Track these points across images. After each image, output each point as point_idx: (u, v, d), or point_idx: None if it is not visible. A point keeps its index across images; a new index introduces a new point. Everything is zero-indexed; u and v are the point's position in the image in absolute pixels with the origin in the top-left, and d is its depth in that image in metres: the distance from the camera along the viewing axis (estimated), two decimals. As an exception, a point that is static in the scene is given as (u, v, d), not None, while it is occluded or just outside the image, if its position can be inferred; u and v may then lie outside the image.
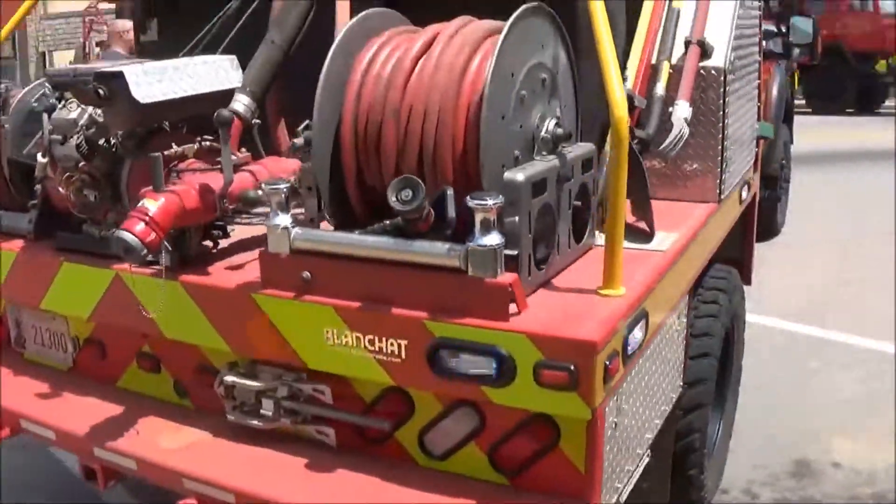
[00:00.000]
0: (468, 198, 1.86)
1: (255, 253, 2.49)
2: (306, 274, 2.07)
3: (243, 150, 2.65)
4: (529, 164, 2.07)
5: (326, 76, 2.14)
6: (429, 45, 2.15)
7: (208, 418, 2.40)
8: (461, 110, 2.02)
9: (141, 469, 2.28)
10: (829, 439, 3.82)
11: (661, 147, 2.70)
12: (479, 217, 1.84)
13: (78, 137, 2.42)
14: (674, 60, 2.91)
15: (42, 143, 2.52)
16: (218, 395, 2.31)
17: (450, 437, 2.07)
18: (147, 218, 2.10)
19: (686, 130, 2.74)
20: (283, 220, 2.08)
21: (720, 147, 2.98)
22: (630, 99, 2.63)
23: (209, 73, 2.50)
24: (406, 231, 1.97)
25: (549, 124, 2.19)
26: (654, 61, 2.89)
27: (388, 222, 2.00)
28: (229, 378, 2.25)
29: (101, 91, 2.25)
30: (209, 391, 2.40)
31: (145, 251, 2.09)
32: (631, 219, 2.55)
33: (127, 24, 7.31)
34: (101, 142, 2.46)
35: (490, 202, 1.83)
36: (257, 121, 2.72)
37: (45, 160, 2.49)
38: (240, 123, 2.66)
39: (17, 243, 2.76)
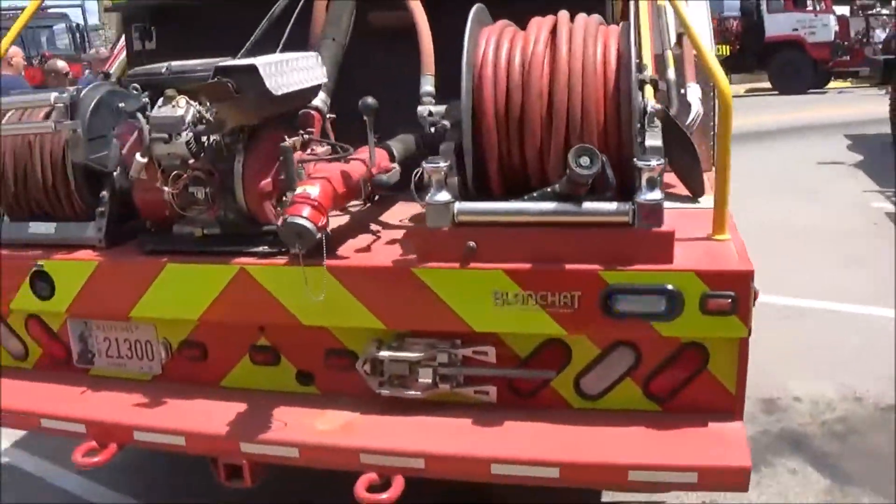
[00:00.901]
0: (635, 160, 2.14)
1: (363, 236, 2.58)
2: (472, 244, 2.24)
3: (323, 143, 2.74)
4: (652, 132, 2.37)
5: (468, 63, 2.32)
6: (550, 33, 2.40)
7: (342, 399, 2.48)
8: (599, 89, 2.29)
9: (304, 455, 2.32)
10: (781, 380, 4.41)
11: (686, 124, 3.11)
12: (645, 176, 2.13)
13: (187, 135, 2.42)
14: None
15: (138, 143, 2.46)
16: (361, 373, 2.40)
17: (607, 376, 2.33)
18: (314, 202, 2.18)
19: (701, 108, 3.17)
20: (444, 196, 2.25)
21: (712, 123, 3.46)
22: (654, 83, 3.02)
23: (306, 68, 2.58)
24: (567, 196, 2.21)
25: (652, 101, 2.51)
26: (655, 52, 3.31)
27: (548, 189, 2.24)
28: (383, 354, 2.34)
29: (232, 85, 2.29)
30: (340, 374, 2.48)
31: (319, 235, 2.16)
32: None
33: (12, 50, 6.83)
34: (204, 138, 2.47)
35: (654, 163, 2.12)
36: (331, 115, 2.84)
37: (143, 160, 2.44)
38: (320, 117, 2.78)
39: (82, 254, 2.66)
